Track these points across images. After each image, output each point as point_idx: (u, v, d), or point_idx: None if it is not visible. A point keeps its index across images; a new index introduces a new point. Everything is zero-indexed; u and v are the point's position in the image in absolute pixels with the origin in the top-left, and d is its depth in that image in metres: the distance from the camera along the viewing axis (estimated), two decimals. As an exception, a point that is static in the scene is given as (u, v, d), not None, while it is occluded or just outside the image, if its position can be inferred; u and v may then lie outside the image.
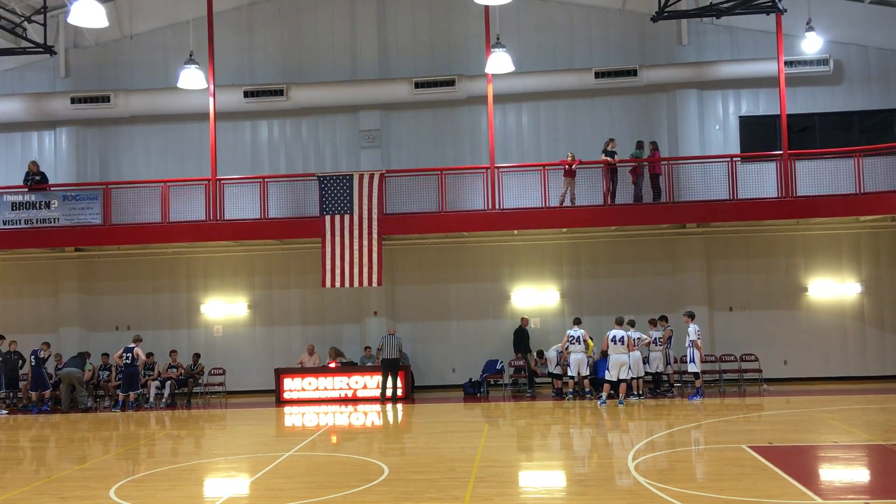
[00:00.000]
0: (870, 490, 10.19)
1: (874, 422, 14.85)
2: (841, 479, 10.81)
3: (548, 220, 19.86)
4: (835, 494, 9.71)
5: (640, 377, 18.48)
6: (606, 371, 18.03)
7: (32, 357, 19.89)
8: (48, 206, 20.45)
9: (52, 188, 20.90)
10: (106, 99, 22.20)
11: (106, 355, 20.99)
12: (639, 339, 18.49)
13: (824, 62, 21.15)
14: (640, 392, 18.45)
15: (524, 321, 20.76)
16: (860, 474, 11.21)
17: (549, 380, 20.02)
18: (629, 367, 17.98)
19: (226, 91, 21.68)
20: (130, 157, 23.02)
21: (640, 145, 20.33)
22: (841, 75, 21.64)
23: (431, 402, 19.75)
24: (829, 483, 10.58)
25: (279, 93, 22.03)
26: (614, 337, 17.91)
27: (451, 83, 21.73)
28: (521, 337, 20.43)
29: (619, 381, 17.79)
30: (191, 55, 19.55)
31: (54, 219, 20.39)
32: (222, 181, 20.55)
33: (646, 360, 18.79)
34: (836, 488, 10.20)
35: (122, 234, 20.45)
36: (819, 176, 19.54)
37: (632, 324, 18.76)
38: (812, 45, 20.00)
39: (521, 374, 20.49)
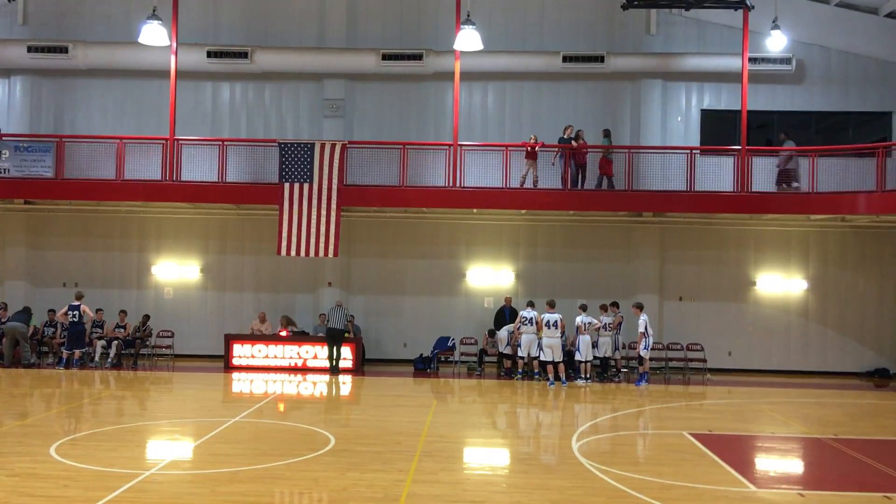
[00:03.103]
0: (803, 481, 10.51)
1: (811, 415, 15.26)
2: (776, 470, 11.13)
3: (507, 201, 19.93)
4: (769, 484, 10.00)
5: (589, 361, 18.74)
6: (540, 352, 18.36)
7: None
8: (-2, 155, 19.96)
9: (3, 138, 20.33)
10: (64, 49, 21.60)
11: (52, 311, 20.58)
12: (589, 323, 18.73)
13: (787, 61, 21.44)
14: (588, 376, 18.71)
15: (507, 300, 20.84)
16: (795, 465, 11.54)
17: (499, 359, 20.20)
18: (584, 349, 18.57)
19: (188, 50, 21.24)
20: (86, 111, 22.48)
21: (606, 134, 20.48)
22: (802, 75, 21.97)
23: (381, 375, 19.78)
24: (765, 473, 10.88)
25: (243, 55, 21.66)
26: (548, 321, 18.22)
27: (418, 57, 21.57)
28: (503, 316, 20.46)
29: (555, 362, 18.15)
30: (154, 10, 19.03)
31: (5, 169, 19.88)
32: (180, 141, 20.22)
33: (594, 345, 19.04)
34: (771, 478, 10.49)
35: (74, 188, 20.01)
36: (774, 173, 19.93)
37: (584, 308, 18.99)
38: (776, 43, 20.24)
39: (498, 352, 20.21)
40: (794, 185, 19.73)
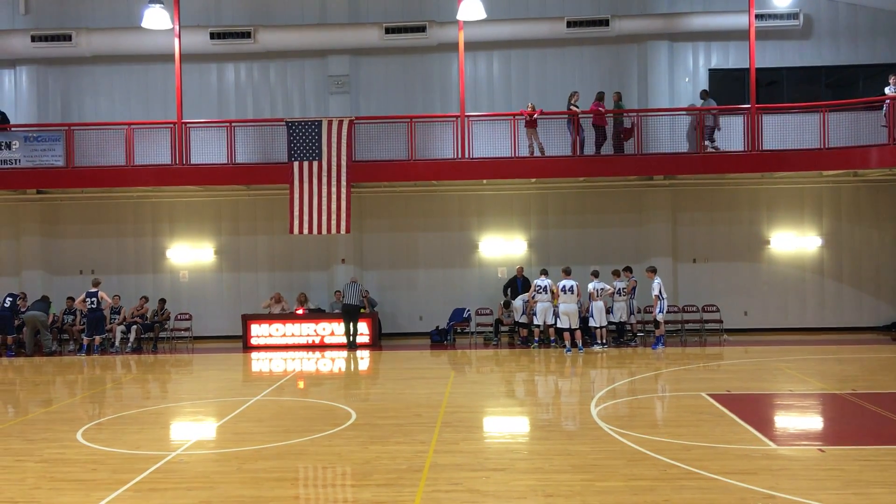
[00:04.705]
0: (823, 437, 10.56)
1: (829, 371, 15.29)
2: (795, 427, 11.16)
3: (517, 170, 19.89)
4: (789, 441, 10.04)
5: (604, 326, 18.80)
6: (557, 319, 18.43)
7: (8, 299, 19.70)
8: (9, 147, 20.01)
9: (12, 129, 20.43)
10: (67, 37, 21.59)
11: (71, 299, 20.79)
12: (602, 289, 18.75)
13: (794, 16, 21.21)
14: (604, 341, 18.77)
15: (519, 270, 20.85)
16: (814, 422, 11.57)
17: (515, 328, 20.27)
18: (598, 315, 18.68)
19: (191, 32, 21.21)
20: (93, 98, 22.53)
21: (619, 97, 20.33)
22: (810, 30, 21.73)
23: (398, 349, 19.92)
24: (784, 430, 10.92)
25: (246, 35, 21.60)
26: (564, 286, 18.27)
27: (422, 29, 21.45)
28: (516, 286, 20.45)
29: (571, 329, 18.20)
30: (155, -6, 19.02)
31: (15, 160, 19.99)
32: (188, 125, 20.25)
33: (609, 310, 19.08)
34: (791, 435, 10.54)
35: (85, 176, 20.11)
36: (785, 130, 19.74)
37: (596, 274, 19.01)
38: (783, -2, 20.03)
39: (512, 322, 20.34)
40: (714, 143, 19.61)
